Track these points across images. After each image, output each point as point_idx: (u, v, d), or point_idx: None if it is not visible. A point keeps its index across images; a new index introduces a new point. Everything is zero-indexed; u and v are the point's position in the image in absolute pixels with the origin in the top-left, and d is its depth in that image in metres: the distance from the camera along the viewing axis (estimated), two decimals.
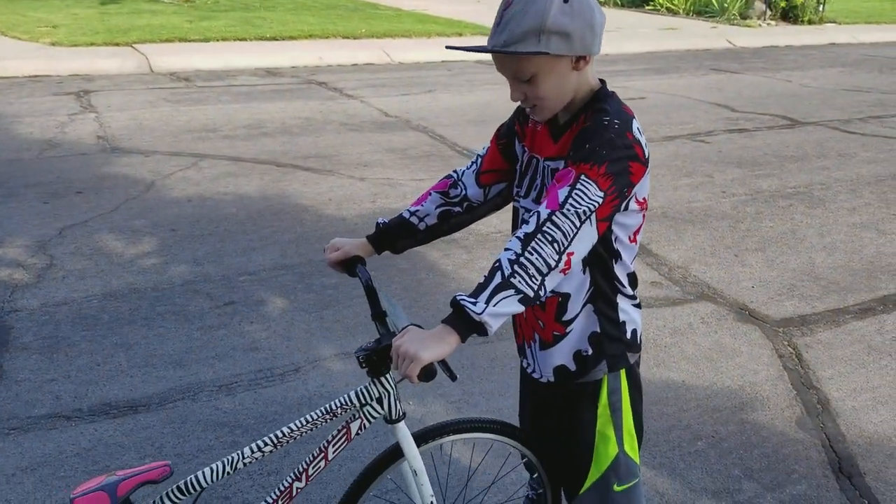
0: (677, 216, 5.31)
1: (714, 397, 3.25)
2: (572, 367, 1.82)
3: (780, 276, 4.43)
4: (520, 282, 1.51)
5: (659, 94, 9.20)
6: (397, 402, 1.81)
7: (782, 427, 3.07)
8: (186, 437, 2.93)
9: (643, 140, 1.66)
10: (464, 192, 2.00)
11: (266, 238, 4.81)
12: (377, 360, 1.71)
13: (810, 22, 17.25)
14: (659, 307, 4.02)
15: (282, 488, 1.81)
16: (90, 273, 4.27)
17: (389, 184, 5.90)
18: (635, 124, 1.66)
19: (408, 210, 2.02)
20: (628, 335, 1.83)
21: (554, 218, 1.54)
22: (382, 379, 1.77)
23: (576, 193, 1.56)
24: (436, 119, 7.95)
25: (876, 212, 5.51)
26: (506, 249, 1.55)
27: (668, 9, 18.59)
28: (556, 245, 1.53)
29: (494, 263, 1.55)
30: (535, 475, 2.18)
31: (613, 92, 1.72)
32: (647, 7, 19.23)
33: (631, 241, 1.76)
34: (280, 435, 1.75)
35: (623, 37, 13.32)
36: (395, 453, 1.86)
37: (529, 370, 1.93)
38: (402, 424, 1.81)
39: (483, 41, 1.69)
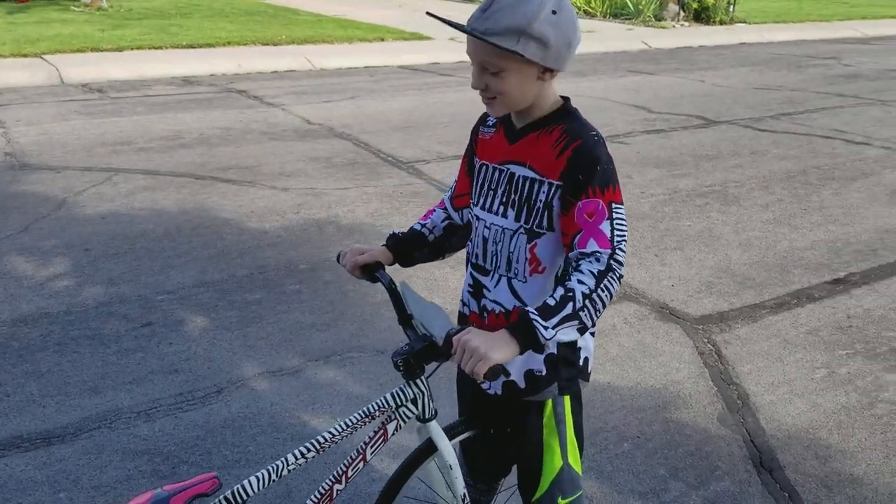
0: None
1: (639, 397, 3.30)
2: (522, 384, 1.83)
3: (698, 274, 4.54)
4: (585, 315, 1.57)
5: (579, 96, 9.33)
6: (431, 401, 1.85)
7: (705, 424, 3.13)
8: (104, 468, 2.82)
9: None
10: (450, 215, 2.02)
11: (185, 254, 4.68)
12: (413, 362, 1.76)
13: (721, 22, 17.81)
14: None
15: (322, 490, 1.83)
16: None
17: (314, 193, 5.82)
18: None
19: (418, 222, 2.03)
20: (581, 362, 1.85)
21: (616, 256, 1.62)
22: (417, 381, 1.82)
23: (617, 224, 1.63)
24: (360, 126, 7.89)
25: (788, 207, 5.71)
26: (579, 282, 1.58)
27: (585, 11, 18.92)
28: (621, 279, 1.63)
29: (567, 292, 1.57)
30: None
31: (576, 108, 1.77)
32: None
33: None
34: (322, 440, 1.77)
35: None
36: (428, 450, 1.91)
37: (479, 381, 1.92)
38: (434, 423, 1.87)
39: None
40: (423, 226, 2.02)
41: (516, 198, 1.74)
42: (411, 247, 2.00)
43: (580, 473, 1.94)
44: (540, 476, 1.90)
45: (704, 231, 5.21)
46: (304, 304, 4.09)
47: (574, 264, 1.63)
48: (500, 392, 1.86)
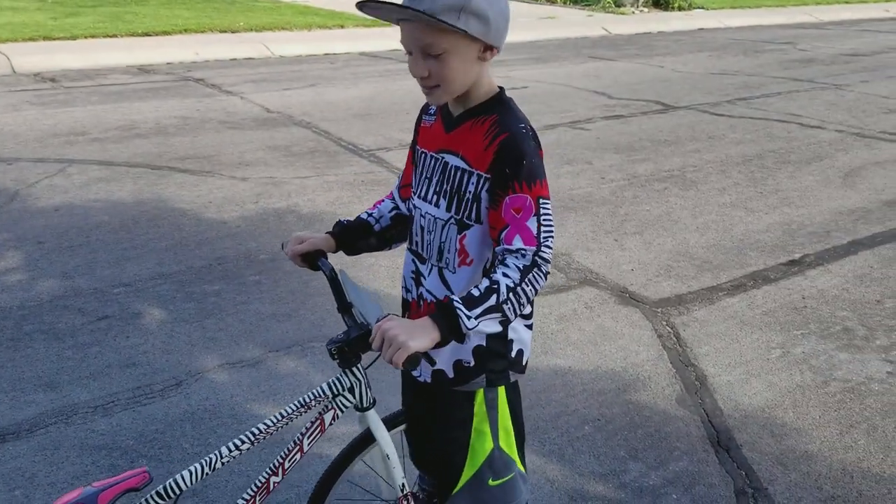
0: (560, 204, 5.42)
1: (599, 380, 3.34)
2: (450, 373, 1.82)
3: (657, 258, 4.59)
4: (508, 308, 1.58)
5: (540, 83, 9.36)
6: (368, 389, 1.83)
7: (664, 405, 3.17)
8: (60, 464, 2.77)
9: None
10: (398, 204, 2.01)
11: (142, 246, 4.61)
12: (349, 351, 1.74)
13: (680, 8, 17.97)
14: (544, 295, 4.09)
15: (258, 484, 1.79)
16: None
17: (273, 183, 5.76)
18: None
19: (366, 212, 2.01)
20: (513, 354, 1.84)
21: (541, 253, 1.61)
22: (354, 369, 1.79)
23: (544, 220, 1.62)
24: (320, 114, 7.82)
25: (744, 191, 5.79)
26: (504, 275, 1.58)
27: None
28: (546, 276, 1.63)
29: (492, 284, 1.57)
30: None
31: (510, 98, 1.75)
32: None
33: None
34: (256, 432, 1.74)
35: None
36: (367, 440, 1.90)
37: (398, 369, 1.91)
38: (373, 412, 1.85)
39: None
40: (370, 215, 1.99)
41: (448, 187, 1.73)
42: (356, 236, 1.98)
43: (515, 459, 1.91)
44: (463, 466, 1.88)
45: (663, 215, 5.27)
46: (265, 295, 4.05)
47: (500, 258, 1.63)
48: (429, 380, 1.86)
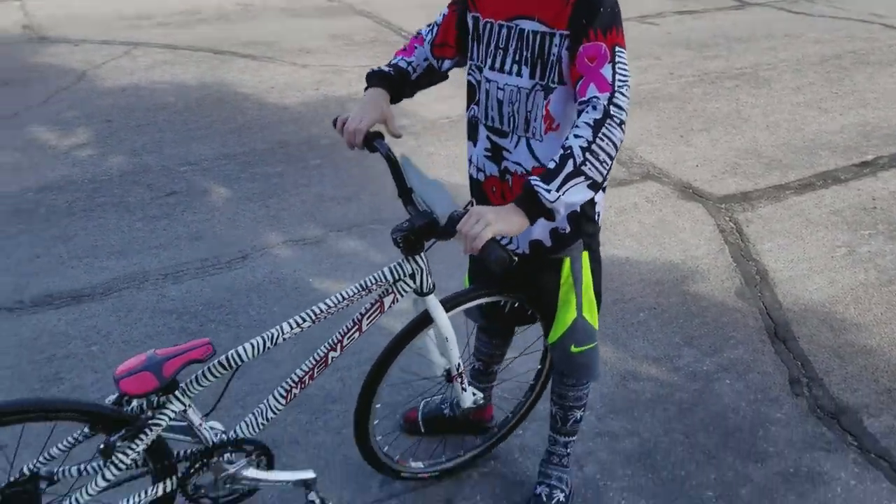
0: None
1: (657, 271, 3.33)
2: (548, 242, 1.83)
3: (724, 155, 4.48)
4: (590, 168, 1.51)
5: None
6: (429, 276, 1.84)
7: (722, 297, 3.16)
8: (134, 325, 2.91)
9: None
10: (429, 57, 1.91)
11: (206, 127, 4.67)
12: (414, 239, 1.74)
13: None
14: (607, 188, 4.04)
15: (318, 357, 1.84)
16: (24, 166, 4.11)
17: (333, 71, 5.73)
18: None
19: (402, 59, 1.91)
20: (596, 217, 1.86)
21: (615, 100, 1.54)
22: (417, 257, 1.80)
23: (618, 68, 1.56)
24: (381, 3, 7.68)
25: (819, 90, 5.56)
26: (575, 136, 1.52)
27: None
28: (623, 126, 1.54)
29: (565, 150, 1.51)
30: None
31: None
32: None
33: None
34: (318, 311, 1.76)
35: None
36: (424, 322, 1.92)
37: (504, 241, 1.92)
38: (432, 296, 1.87)
39: None
40: (409, 63, 1.91)
41: (528, 54, 1.66)
42: (401, 84, 1.89)
43: (596, 328, 1.97)
44: (551, 325, 1.95)
45: (733, 113, 5.11)
46: (326, 179, 4.09)
47: (575, 119, 1.58)
48: (527, 251, 1.87)
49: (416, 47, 1.92)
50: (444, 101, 5.08)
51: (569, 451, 2.18)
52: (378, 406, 2.01)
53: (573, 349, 1.95)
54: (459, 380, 2.00)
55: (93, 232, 3.52)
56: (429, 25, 1.93)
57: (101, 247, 3.41)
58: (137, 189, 3.91)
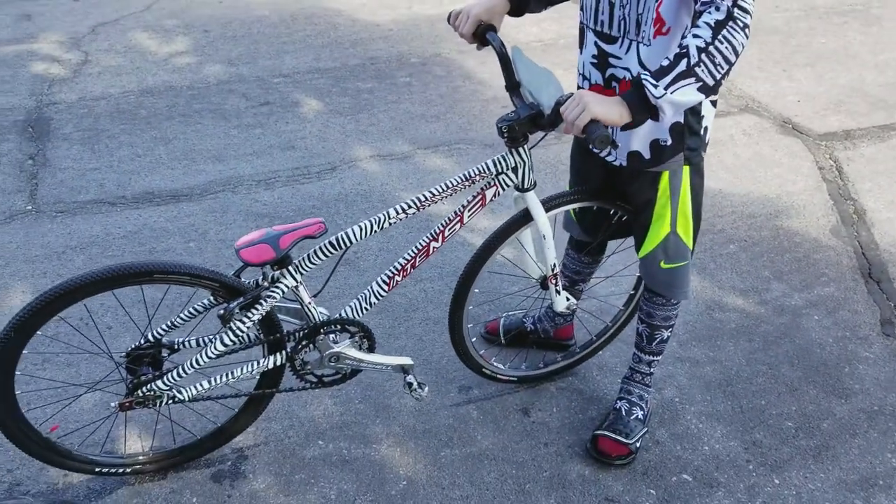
0: None
1: (750, 205, 3.25)
2: (647, 154, 1.80)
3: (827, 92, 4.28)
4: (703, 71, 1.47)
5: None
6: (531, 171, 1.87)
7: (816, 234, 3.07)
8: (228, 225, 3.02)
9: None
10: None
11: (300, 41, 4.71)
12: (518, 130, 1.75)
13: None
14: None
15: (420, 246, 1.90)
16: (125, 70, 4.24)
17: None
18: None
19: None
20: (702, 131, 1.80)
21: (740, 2, 1.47)
22: (520, 149, 1.82)
23: None
24: None
25: None
26: (694, 36, 1.47)
27: None
28: (746, 30, 1.47)
29: (681, 49, 1.48)
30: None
31: None
32: None
33: None
34: (422, 198, 1.82)
35: None
36: (524, 219, 1.94)
37: (603, 154, 1.91)
38: (532, 193, 1.89)
39: None
40: None
41: None
42: None
43: (690, 247, 1.94)
44: (644, 237, 1.93)
45: (839, 49, 4.86)
46: (415, 96, 4.10)
47: (694, 19, 1.53)
48: (624, 163, 1.85)
49: None
50: (537, 24, 4.98)
51: (652, 370, 2.19)
52: (476, 291, 2.04)
53: (663, 265, 1.94)
54: (554, 282, 2.02)
55: (191, 136, 3.63)
56: None
57: (198, 150, 3.52)
58: (233, 98, 4.00)
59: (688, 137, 1.78)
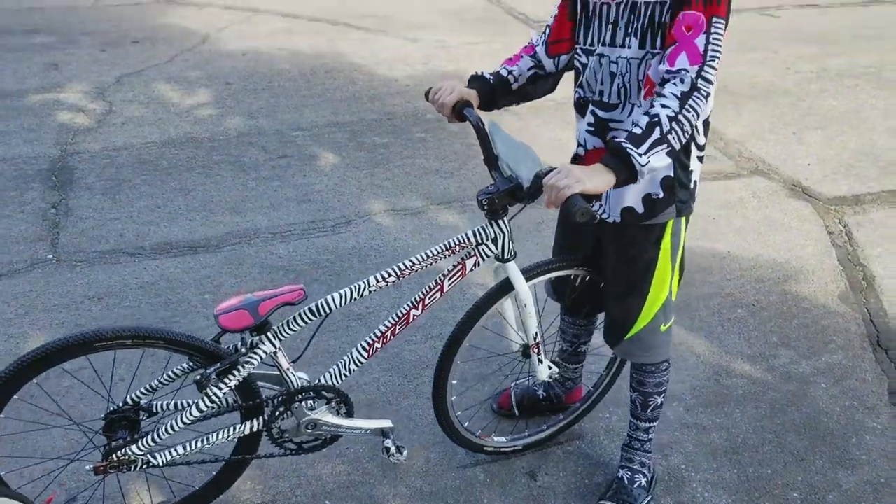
0: (738, 91, 5.16)
1: (759, 268, 3.27)
2: (640, 209, 1.85)
3: (838, 156, 4.33)
4: (674, 137, 1.58)
5: None
6: (511, 242, 1.90)
7: (824, 300, 3.09)
8: (243, 278, 3.07)
9: None
10: (541, 60, 1.98)
11: (319, 95, 4.82)
12: (498, 202, 1.80)
13: None
14: (711, 180, 3.99)
15: (400, 314, 1.93)
16: (148, 120, 4.35)
17: (442, 46, 5.80)
18: None
19: (504, 67, 2.00)
20: (691, 184, 1.87)
21: (704, 73, 1.59)
22: (500, 221, 1.86)
23: (713, 39, 1.60)
24: None
25: None
26: (662, 106, 1.58)
27: None
28: (709, 97, 1.60)
29: (652, 118, 1.58)
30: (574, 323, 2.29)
31: None
32: None
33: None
34: (402, 267, 1.85)
35: None
36: (504, 289, 1.97)
37: (595, 208, 1.95)
38: (513, 263, 1.92)
39: None
40: (510, 72, 1.98)
41: (640, 25, 1.71)
42: (497, 92, 1.98)
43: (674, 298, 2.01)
44: (642, 308, 1.95)
45: (851, 112, 4.92)
46: (430, 152, 4.18)
47: (659, 86, 1.62)
48: (618, 219, 1.89)
49: (522, 56, 1.99)
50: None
51: (650, 436, 2.20)
52: (454, 382, 2.06)
53: (662, 328, 1.97)
54: (536, 351, 2.04)
55: (210, 188, 3.71)
56: (539, 34, 1.99)
57: (216, 202, 3.60)
58: (252, 150, 4.09)
59: (678, 190, 1.84)
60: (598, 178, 1.56)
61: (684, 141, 1.60)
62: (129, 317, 2.82)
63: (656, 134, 1.56)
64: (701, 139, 1.82)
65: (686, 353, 2.77)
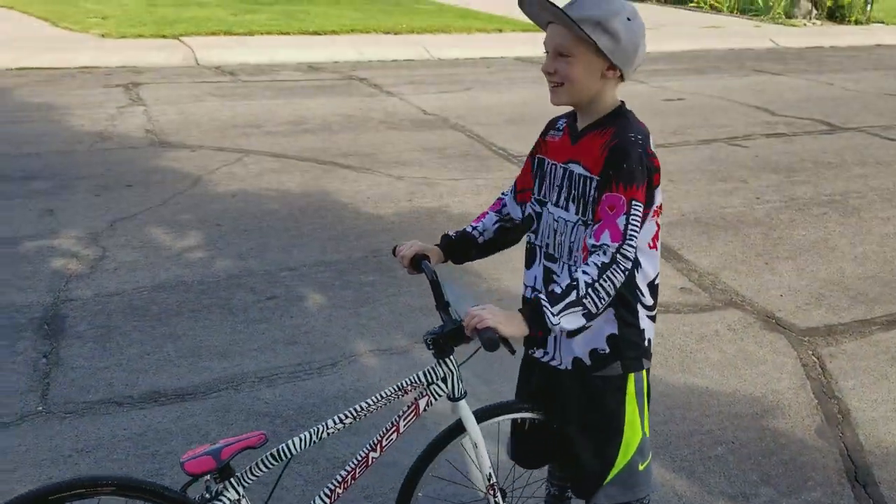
0: (710, 222, 5.37)
1: (736, 404, 3.35)
2: (587, 361, 2.00)
3: (809, 286, 4.49)
4: (590, 302, 1.77)
5: (697, 95, 9.19)
6: (459, 381, 2.01)
7: (801, 435, 3.15)
8: (230, 426, 3.11)
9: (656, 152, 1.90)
10: (509, 212, 2.22)
11: (307, 235, 4.99)
12: (443, 342, 1.94)
13: (857, 22, 17.00)
14: (686, 313, 4.11)
15: (359, 458, 2.01)
16: (140, 265, 4.48)
17: (426, 183, 6.04)
18: (651, 139, 1.90)
19: (471, 225, 2.24)
20: (645, 342, 2.01)
21: (623, 250, 1.80)
22: (447, 360, 1.98)
23: (632, 220, 1.81)
24: (473, 118, 8.06)
25: None
26: (583, 272, 1.78)
27: (711, 6, 18.43)
28: (626, 272, 1.81)
29: (572, 281, 1.78)
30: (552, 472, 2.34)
31: (630, 110, 1.95)
32: (689, 4, 19.09)
33: (651, 248, 1.96)
34: (359, 409, 1.96)
35: (663, 35, 13.25)
36: (457, 429, 2.06)
37: (546, 358, 2.09)
38: (463, 402, 2.03)
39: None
40: (475, 228, 2.22)
41: (575, 193, 1.94)
42: (462, 249, 2.20)
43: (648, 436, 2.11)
44: (614, 459, 2.03)
45: (820, 241, 5.12)
46: (414, 289, 4.30)
47: (586, 254, 1.83)
48: (570, 367, 2.02)
49: (488, 213, 2.24)
50: None
51: None
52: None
53: (640, 467, 2.05)
54: (492, 493, 2.09)
55: (199, 332, 3.80)
56: (510, 189, 2.23)
57: (205, 347, 3.68)
58: (241, 292, 4.21)
59: (625, 348, 1.97)
60: (512, 325, 1.76)
61: (602, 307, 1.78)
62: (117, 470, 2.84)
63: (572, 297, 1.76)
64: (648, 300, 1.98)
65: (669, 493, 2.80)
